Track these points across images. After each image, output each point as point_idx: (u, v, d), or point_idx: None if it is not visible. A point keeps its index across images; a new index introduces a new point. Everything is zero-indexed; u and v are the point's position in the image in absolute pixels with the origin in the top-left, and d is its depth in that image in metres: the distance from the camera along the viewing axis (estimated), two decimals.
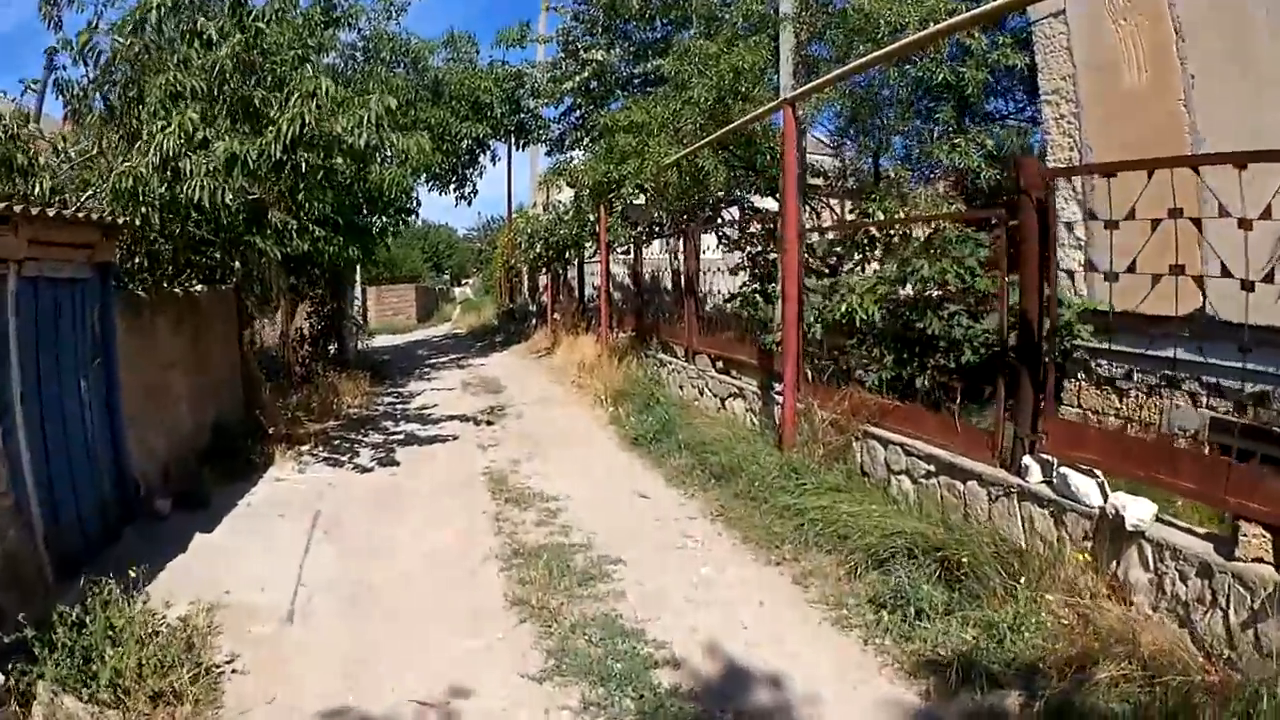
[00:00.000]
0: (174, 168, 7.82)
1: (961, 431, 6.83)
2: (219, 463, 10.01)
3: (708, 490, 8.70)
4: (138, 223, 8.06)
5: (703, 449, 9.60)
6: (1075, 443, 5.74)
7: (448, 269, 73.54)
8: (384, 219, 18.65)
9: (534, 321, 27.58)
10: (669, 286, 18.15)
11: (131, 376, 8.25)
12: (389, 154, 10.76)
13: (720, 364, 12.07)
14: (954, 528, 6.12)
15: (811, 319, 9.44)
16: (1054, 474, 5.61)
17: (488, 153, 22.59)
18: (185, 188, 7.82)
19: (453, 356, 24.17)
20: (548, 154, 23.08)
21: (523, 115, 22.77)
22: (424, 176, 19.15)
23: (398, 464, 10.63)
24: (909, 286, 9.23)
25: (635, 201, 14.04)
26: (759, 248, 14.85)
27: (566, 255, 20.38)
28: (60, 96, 8.99)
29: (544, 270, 24.28)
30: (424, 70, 19.74)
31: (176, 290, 10.23)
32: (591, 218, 18.07)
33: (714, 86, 12.92)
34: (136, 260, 9.67)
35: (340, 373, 16.43)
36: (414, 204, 19.57)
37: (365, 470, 10.38)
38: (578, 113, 21.81)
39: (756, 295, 15.62)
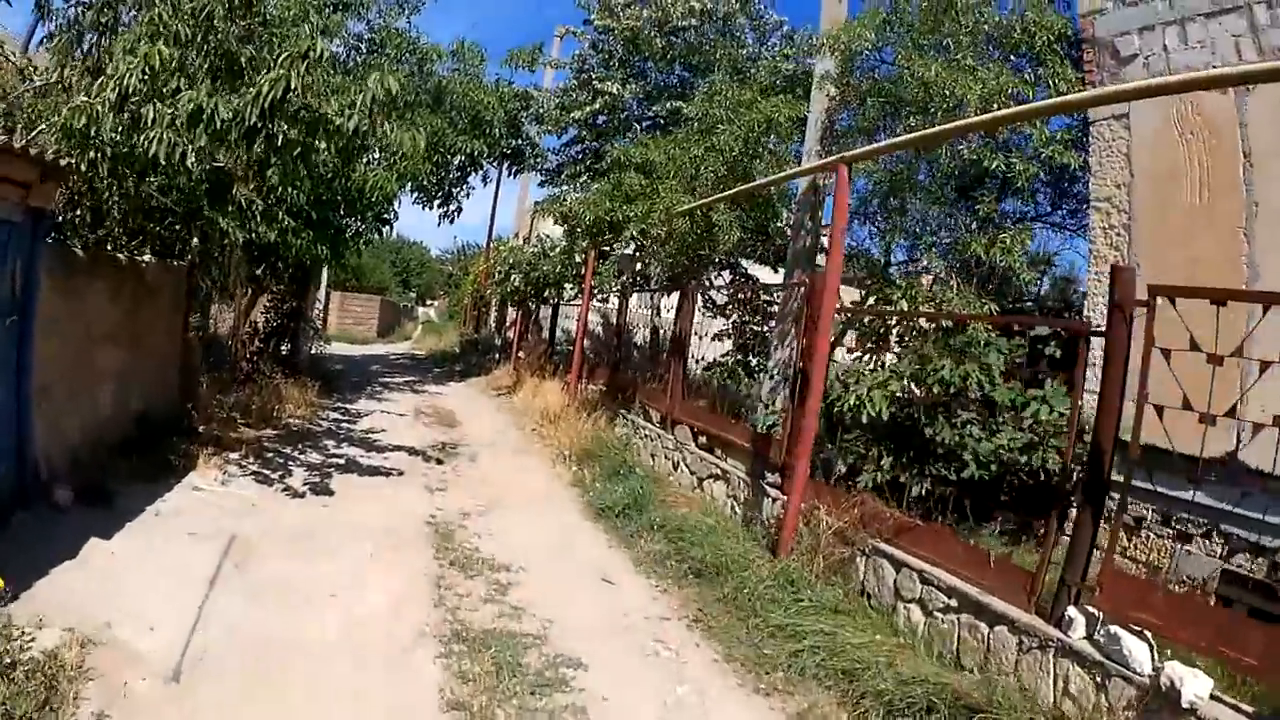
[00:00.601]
0: (134, 112, 6.79)
1: (995, 566, 5.93)
2: (136, 458, 8.89)
3: (684, 587, 7.59)
4: (84, 168, 7.03)
5: (680, 535, 8.52)
6: (1137, 600, 4.94)
7: (416, 287, 72.47)
8: (360, 223, 17.63)
9: (497, 356, 26.48)
10: (642, 343, 17.19)
11: (50, 343, 7.28)
12: (378, 146, 9.66)
13: (703, 439, 11.02)
14: (991, 682, 5.23)
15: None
16: (1100, 631, 4.90)
17: (479, 172, 21.53)
18: (143, 138, 6.78)
19: (409, 379, 22.98)
20: (541, 184, 22.17)
21: (520, 141, 21.78)
22: (410, 186, 18.06)
23: (333, 493, 9.46)
24: (918, 385, 8.58)
25: (625, 250, 12.99)
26: (746, 316, 14.01)
27: (545, 293, 19.28)
28: (42, 18, 8.00)
29: (516, 305, 23.13)
30: (428, 74, 18.72)
31: (120, 256, 9.12)
32: (578, 258, 17.07)
33: (741, 136, 12.02)
34: (79, 214, 8.59)
35: (289, 377, 15.23)
36: (393, 213, 18.63)
37: (296, 495, 9.20)
38: (580, 146, 20.93)
39: (738, 367, 14.80)
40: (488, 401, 19.42)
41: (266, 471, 9.86)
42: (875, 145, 8.61)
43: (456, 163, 20.21)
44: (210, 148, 7.76)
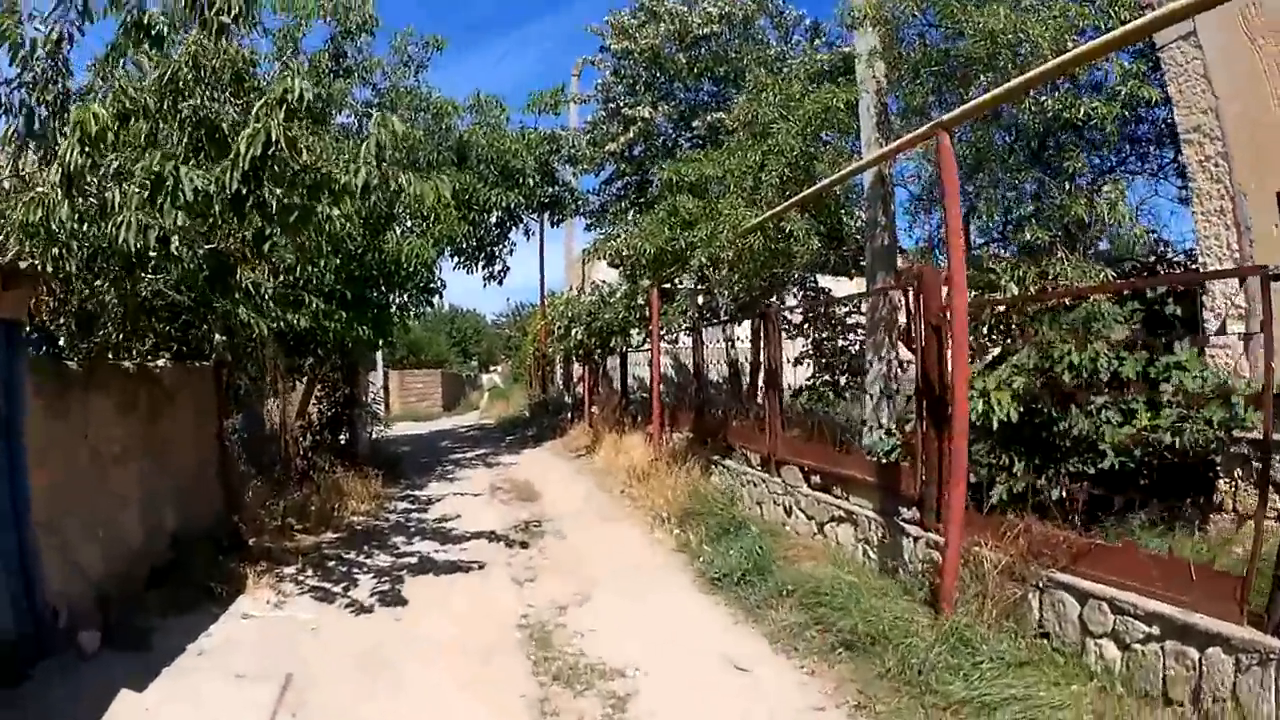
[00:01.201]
0: (99, 197, 5.61)
1: (1198, 577, 4.83)
2: (174, 586, 7.75)
3: (834, 664, 6.15)
4: (50, 268, 5.84)
5: (816, 599, 7.08)
6: None
7: (475, 355, 71.86)
8: (404, 296, 16.50)
9: (569, 415, 25.18)
10: (721, 380, 15.79)
11: (49, 471, 6.28)
12: (400, 205, 8.47)
13: (816, 478, 9.57)
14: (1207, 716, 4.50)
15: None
16: None
17: (519, 226, 20.32)
18: (111, 224, 5.58)
19: (479, 452, 21.69)
20: (587, 228, 20.94)
21: (557, 187, 20.55)
22: (448, 250, 16.89)
23: (405, 602, 8.10)
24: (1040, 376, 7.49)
25: (687, 284, 11.56)
26: (824, 333, 12.72)
27: (611, 343, 17.94)
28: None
29: (581, 359, 21.82)
30: (448, 130, 17.57)
31: (125, 363, 7.94)
32: (640, 301, 15.72)
33: (799, 132, 10.65)
34: (64, 321, 7.46)
35: (349, 469, 14.02)
36: (438, 282, 17.52)
37: (363, 609, 7.87)
38: (620, 182, 19.68)
39: (826, 389, 13.43)
40: (566, 465, 18.06)
41: (327, 585, 8.58)
42: (971, 104, 7.16)
43: (494, 219, 19.06)
44: (195, 227, 6.55)
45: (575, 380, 26.60)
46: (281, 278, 9.61)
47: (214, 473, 9.88)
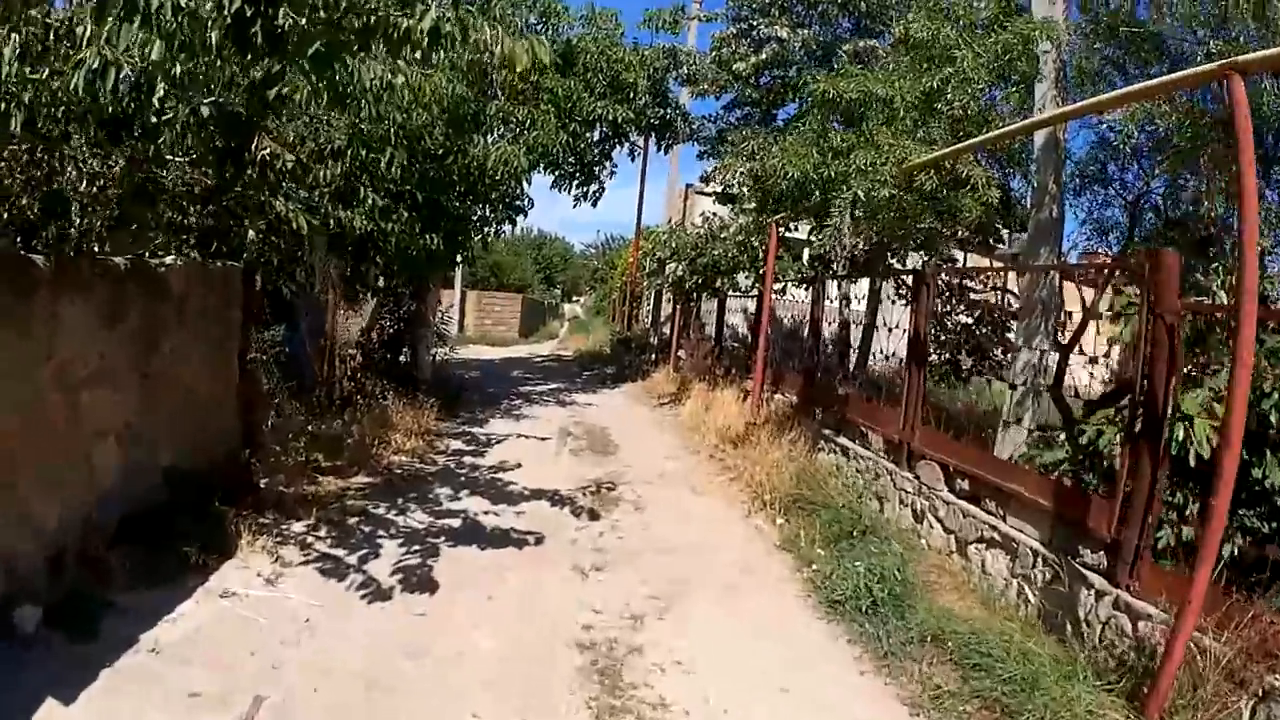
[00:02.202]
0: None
1: None
2: (153, 545, 5.97)
3: None
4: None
5: (974, 659, 5.25)
6: None
7: (559, 283, 70.38)
8: (487, 209, 14.67)
9: (654, 356, 23.24)
10: (830, 342, 13.72)
11: None
12: (477, 65, 6.54)
13: (963, 482, 7.53)
14: None
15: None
16: None
17: (624, 145, 18.18)
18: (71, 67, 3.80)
19: (553, 386, 19.83)
20: (700, 156, 18.70)
21: (669, 110, 18.34)
22: (543, 163, 14.90)
23: (435, 587, 6.23)
24: None
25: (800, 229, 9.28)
26: (951, 308, 10.66)
27: (718, 283, 15.76)
28: None
29: (676, 298, 19.68)
30: (556, 32, 15.49)
31: (115, 260, 6.13)
32: (755, 241, 13.59)
33: (988, 64, 8.50)
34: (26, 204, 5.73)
35: (403, 395, 12.31)
36: (526, 199, 15.67)
37: (378, 595, 6.01)
38: (743, 110, 17.45)
39: (949, 370, 11.50)
40: (648, 415, 16.15)
41: (340, 553, 6.74)
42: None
43: (597, 135, 17.02)
44: (186, 68, 4.70)
45: (663, 320, 24.62)
46: (333, 166, 7.81)
47: (231, 399, 8.12)
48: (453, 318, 16.48)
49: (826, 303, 13.51)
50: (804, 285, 14.07)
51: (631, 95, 16.02)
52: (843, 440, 10.06)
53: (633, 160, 20.11)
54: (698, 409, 14.45)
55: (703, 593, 6.54)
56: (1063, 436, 7.44)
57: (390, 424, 11.09)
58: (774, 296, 14.85)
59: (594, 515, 8.51)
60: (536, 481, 9.56)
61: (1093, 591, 5.46)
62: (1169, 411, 5.26)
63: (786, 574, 7.15)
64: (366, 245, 10.97)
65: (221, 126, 5.71)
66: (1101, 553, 5.62)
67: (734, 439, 11.62)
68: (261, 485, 7.80)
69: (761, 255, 13.55)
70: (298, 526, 7.21)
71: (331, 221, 8.63)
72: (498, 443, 11.88)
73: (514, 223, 16.50)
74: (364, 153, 8.00)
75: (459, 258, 14.83)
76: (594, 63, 15.56)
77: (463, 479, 9.58)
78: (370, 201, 8.57)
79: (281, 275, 10.32)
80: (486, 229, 15.27)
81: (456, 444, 11.57)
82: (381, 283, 13.68)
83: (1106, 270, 7.54)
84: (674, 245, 15.37)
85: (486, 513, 8.23)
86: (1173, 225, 12.15)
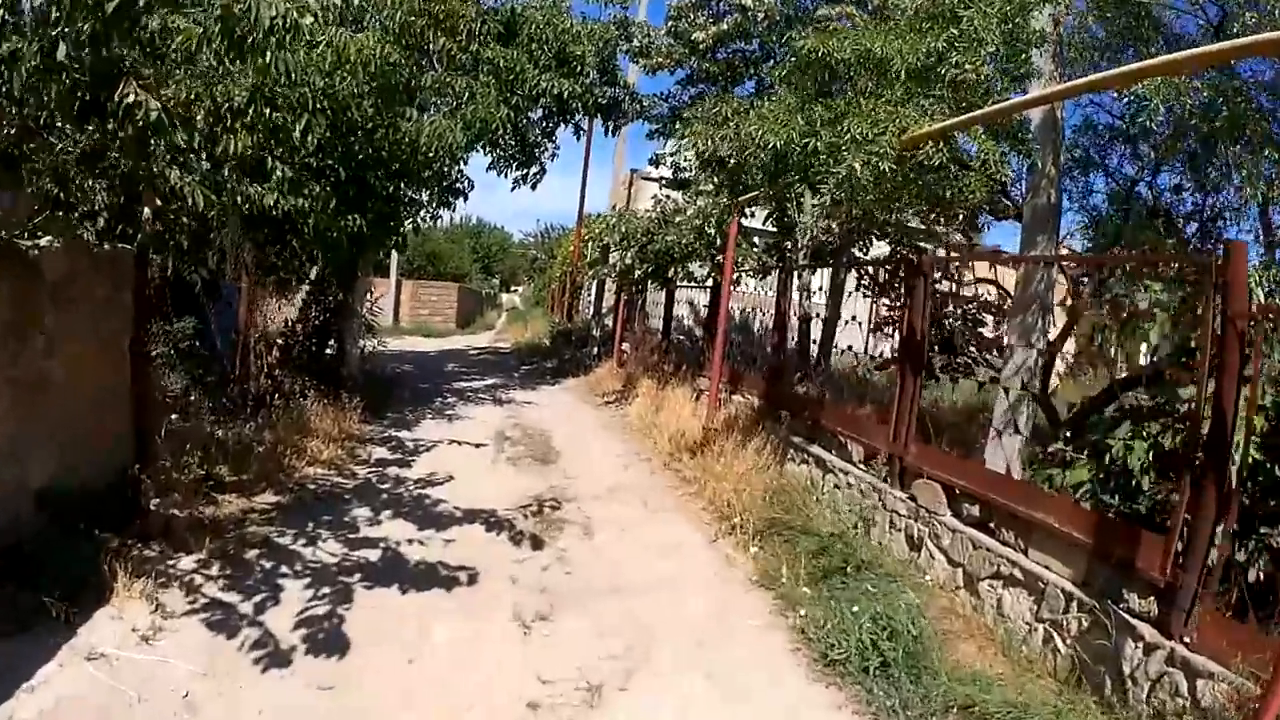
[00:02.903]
0: None
1: None
2: (15, 584, 4.94)
3: None
4: None
5: None
6: None
7: (498, 273, 68.93)
8: (423, 192, 13.45)
9: (596, 350, 22.05)
10: (795, 338, 12.68)
11: None
12: None
13: (970, 506, 6.49)
14: None
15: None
16: None
17: (569, 124, 16.87)
18: None
19: (490, 382, 18.50)
20: (650, 136, 17.40)
21: (616, 88, 17.07)
22: (482, 141, 13.58)
23: (345, 647, 5.03)
24: None
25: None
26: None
27: (670, 272, 14.49)
28: None
29: (623, 288, 18.40)
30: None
31: None
32: (711, 228, 12.39)
33: (997, 24, 7.37)
34: None
35: (325, 394, 11.07)
36: (463, 180, 14.45)
37: (276, 659, 4.81)
38: (697, 87, 16.27)
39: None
40: (593, 415, 14.92)
41: (234, 598, 5.54)
42: None
43: (540, 112, 15.74)
44: None
45: (605, 311, 23.44)
46: (243, 136, 6.61)
47: (123, 401, 6.85)
48: (383, 308, 15.00)
49: (797, 296, 12.53)
50: (760, 276, 12.98)
51: (579, 70, 14.79)
52: (817, 450, 9.00)
53: (578, 139, 18.95)
54: (647, 409, 13.32)
55: (671, 649, 5.41)
56: (1086, 453, 6.45)
57: (308, 428, 9.85)
58: (711, 289, 13.84)
59: (537, 543, 7.32)
60: (470, 498, 8.36)
61: (1141, 644, 4.54)
62: (1232, 427, 4.29)
63: (768, 619, 6.04)
64: (284, 227, 9.75)
65: (82, 70, 4.51)
66: (1152, 598, 4.66)
67: (691, 446, 10.51)
68: (152, 507, 6.57)
69: (719, 243, 12.42)
70: (187, 562, 6.00)
71: (240, 199, 7.40)
72: (427, 450, 10.61)
73: (451, 207, 15.30)
74: (269, 113, 6.72)
75: (389, 243, 13.48)
76: (539, 33, 14.31)
77: (385, 496, 8.33)
78: (279, 174, 7.31)
79: (188, 260, 9.19)
80: (421, 213, 14.06)
81: (381, 451, 10.29)
82: (307, 270, 12.47)
83: (1164, 264, 6.54)
84: (623, 230, 14.06)
85: (411, 541, 7.00)
86: (1157, 214, 11.25)
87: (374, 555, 6.61)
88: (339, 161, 9.84)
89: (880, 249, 13.76)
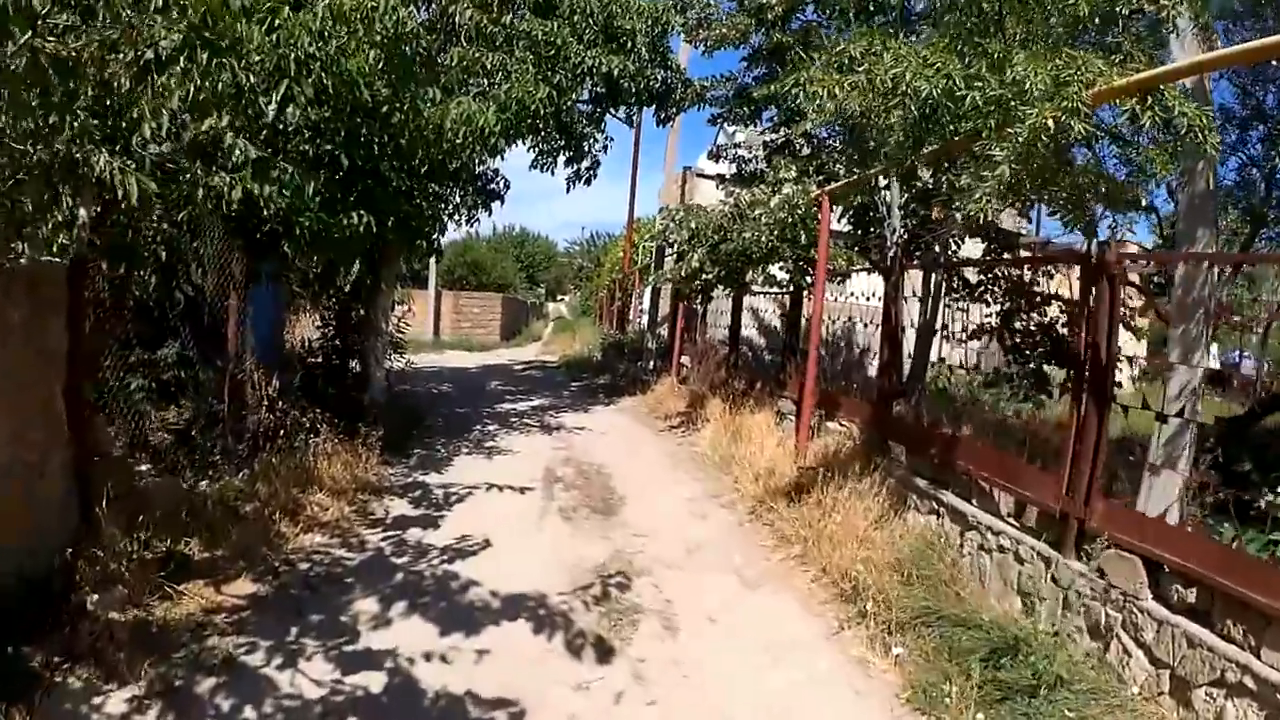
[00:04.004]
0: None
1: None
2: None
3: None
4: None
5: None
6: None
7: (543, 283, 67.34)
8: (454, 188, 11.61)
9: (653, 364, 20.07)
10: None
11: None
12: None
13: (1185, 590, 4.48)
14: None
15: None
16: None
17: (620, 108, 14.87)
18: None
19: (536, 403, 16.56)
20: (714, 122, 15.29)
21: (668, 72, 15.00)
22: (523, 126, 11.59)
23: None
24: None
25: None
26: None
27: (748, 275, 12.23)
28: None
29: (687, 295, 16.13)
30: None
31: None
32: (792, 217, 10.32)
33: None
34: None
35: (340, 427, 9.31)
36: (499, 180, 12.63)
37: None
38: (765, 65, 14.19)
39: (1024, 382, 8.81)
40: (656, 445, 12.81)
41: None
42: None
43: (586, 95, 13.78)
44: None
45: (660, 320, 21.42)
46: (218, 119, 4.85)
47: (54, 463, 5.01)
48: (410, 324, 12.98)
49: (865, 301, 10.55)
50: (840, 279, 10.92)
51: (629, 45, 12.82)
52: (950, 499, 6.96)
53: (630, 125, 16.96)
54: (721, 438, 11.31)
55: None
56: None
57: (312, 477, 7.97)
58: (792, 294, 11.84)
59: (603, 650, 5.28)
60: (512, 575, 6.38)
61: None
62: None
63: None
64: (278, 230, 7.91)
65: None
66: None
67: (784, 489, 8.47)
68: (89, 606, 4.73)
69: (804, 239, 10.38)
70: (117, 700, 4.14)
71: (201, 189, 5.54)
72: (459, 500, 8.59)
73: (488, 209, 13.48)
74: (207, 59, 4.76)
75: (417, 249, 11.55)
76: (581, 2, 12.38)
77: (400, 577, 6.31)
78: (239, 153, 5.40)
79: (165, 274, 7.73)
80: (455, 214, 12.24)
81: (401, 506, 8.28)
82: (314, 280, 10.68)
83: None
84: (692, 226, 11.80)
85: (429, 656, 5.00)
86: None
87: (376, 683, 4.64)
88: (341, 147, 7.94)
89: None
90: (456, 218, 13.37)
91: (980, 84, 5.12)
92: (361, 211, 7.76)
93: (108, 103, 4.66)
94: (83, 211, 4.98)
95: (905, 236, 11.25)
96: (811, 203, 10.02)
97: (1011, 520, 6.27)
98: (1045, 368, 8.88)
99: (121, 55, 4.51)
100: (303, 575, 6.20)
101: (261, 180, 5.62)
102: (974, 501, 6.76)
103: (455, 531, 7.43)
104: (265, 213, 6.66)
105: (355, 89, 7.84)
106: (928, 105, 5.50)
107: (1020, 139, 4.80)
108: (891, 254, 9.60)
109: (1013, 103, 4.99)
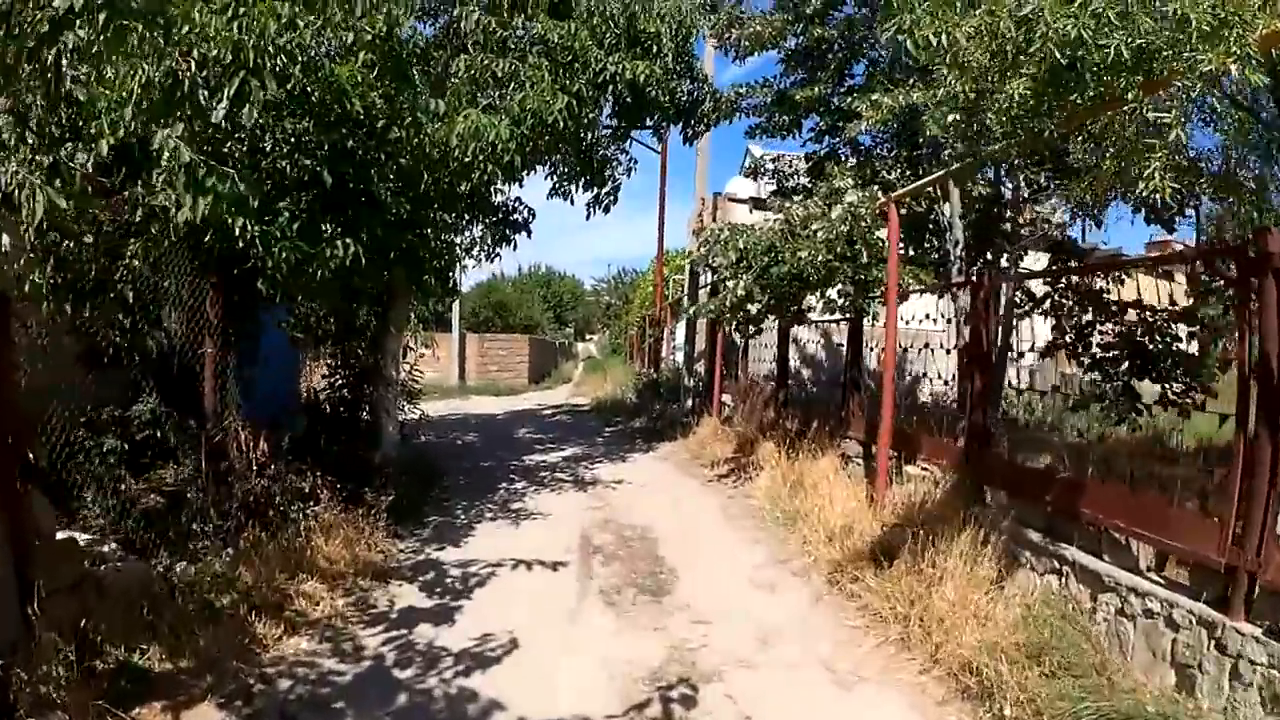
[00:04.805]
0: None
1: None
2: None
3: None
4: None
5: None
6: None
7: (571, 322, 66.24)
8: (468, 216, 10.39)
9: (691, 404, 18.68)
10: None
11: None
12: None
13: None
14: None
15: None
16: None
17: (647, 121, 13.57)
18: None
19: (569, 453, 15.16)
20: (751, 134, 13.92)
21: (695, 84, 13.73)
22: (542, 143, 10.28)
23: None
24: None
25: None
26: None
27: (804, 302, 10.65)
28: None
29: (728, 327, 14.46)
30: None
31: None
32: (855, 236, 8.93)
33: None
34: None
35: (344, 494, 8.01)
36: (522, 210, 11.50)
37: None
38: (803, 70, 12.90)
39: (1118, 400, 7.48)
40: (705, 498, 11.24)
41: None
42: None
43: (607, 109, 12.52)
44: None
45: (695, 356, 20.03)
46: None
47: None
48: (422, 371, 11.58)
49: (907, 325, 9.22)
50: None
51: (654, 49, 11.55)
52: (1072, 553, 5.68)
53: (658, 139, 15.72)
54: (779, 487, 9.91)
55: None
56: None
57: (304, 560, 6.62)
58: (852, 320, 10.49)
59: None
60: (544, 691, 5.01)
61: None
62: None
63: None
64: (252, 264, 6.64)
65: None
66: None
67: (867, 551, 7.05)
68: None
69: (865, 257, 9.02)
70: None
71: (141, 210, 4.34)
72: (479, 583, 7.14)
73: (511, 242, 12.26)
74: (105, 20, 3.44)
75: (426, 286, 10.20)
76: (600, 4, 11.12)
77: (403, 701, 4.87)
78: (167, 156, 4.12)
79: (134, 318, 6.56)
80: (473, 249, 11.05)
81: (409, 594, 6.80)
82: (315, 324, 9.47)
83: None
84: (740, 247, 10.21)
85: None
86: None
87: None
88: (324, 163, 6.65)
89: None
90: (475, 253, 12.23)
91: (1126, 27, 3.79)
92: (348, 240, 6.47)
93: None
94: (5, 239, 3.75)
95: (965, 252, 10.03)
96: (876, 211, 8.67)
97: (1153, 576, 5.01)
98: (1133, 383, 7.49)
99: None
100: (280, 700, 4.81)
101: (195, 192, 4.31)
102: (1105, 556, 5.40)
103: (474, 628, 6.01)
104: (240, 244, 5.47)
105: (344, 98, 6.66)
106: (1066, 54, 4.13)
107: (1190, 89, 3.47)
108: (969, 268, 8.22)
109: (1165, 51, 3.66)
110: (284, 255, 6.08)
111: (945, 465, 7.84)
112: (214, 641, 5.16)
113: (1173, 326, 6.93)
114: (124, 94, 4.57)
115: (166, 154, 4.17)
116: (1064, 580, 5.69)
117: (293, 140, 6.60)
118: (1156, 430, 8.67)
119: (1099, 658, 4.86)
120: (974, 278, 8.32)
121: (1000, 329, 9.14)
